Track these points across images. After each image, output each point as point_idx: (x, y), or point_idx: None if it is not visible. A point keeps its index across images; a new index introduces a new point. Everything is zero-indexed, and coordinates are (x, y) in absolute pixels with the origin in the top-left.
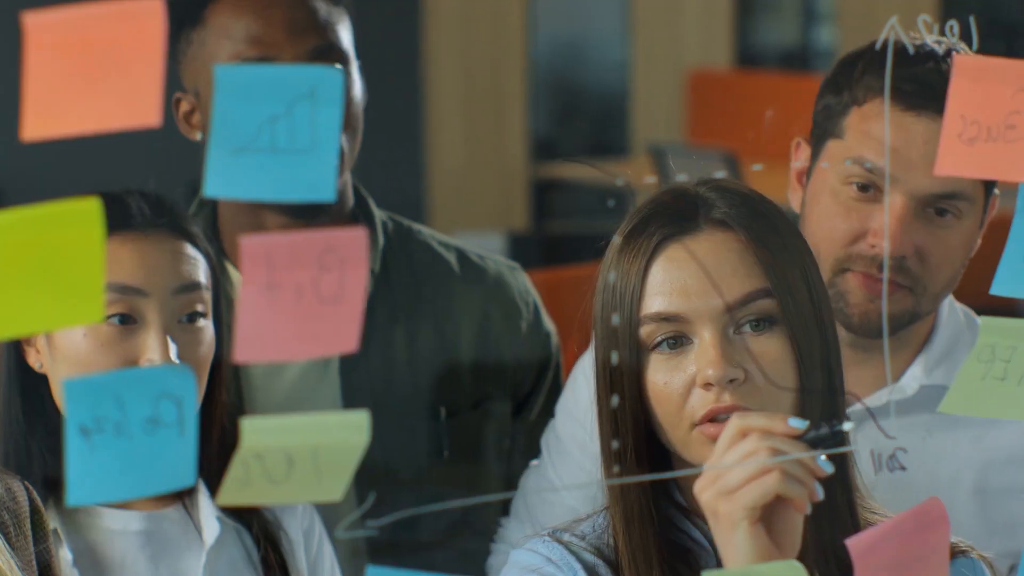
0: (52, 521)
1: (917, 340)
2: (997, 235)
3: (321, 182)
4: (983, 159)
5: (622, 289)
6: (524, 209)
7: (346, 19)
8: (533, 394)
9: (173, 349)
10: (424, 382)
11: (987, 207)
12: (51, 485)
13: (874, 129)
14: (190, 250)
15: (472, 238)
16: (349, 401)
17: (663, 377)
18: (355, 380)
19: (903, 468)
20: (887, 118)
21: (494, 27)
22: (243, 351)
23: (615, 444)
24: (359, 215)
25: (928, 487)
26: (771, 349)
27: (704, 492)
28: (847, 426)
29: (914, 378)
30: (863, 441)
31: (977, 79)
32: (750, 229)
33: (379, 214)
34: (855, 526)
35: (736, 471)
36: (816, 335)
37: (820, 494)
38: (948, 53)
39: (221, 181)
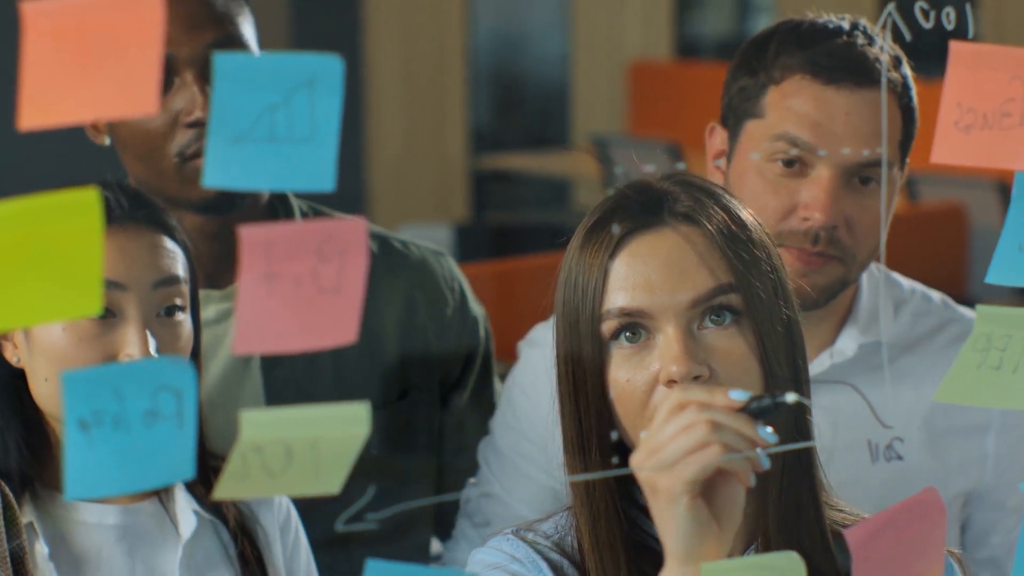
0: (28, 515)
1: (843, 304)
2: (947, 225)
3: (320, 172)
4: (979, 147)
5: (584, 284)
6: (464, 200)
7: (246, 11)
8: (462, 381)
9: (152, 343)
10: (349, 374)
11: (902, 176)
12: (27, 479)
13: (795, 105)
14: (168, 243)
15: (419, 230)
16: (272, 397)
17: (625, 374)
18: (278, 375)
19: (900, 458)
20: (883, 100)
21: (434, 18)
22: (243, 342)
23: (614, 435)
24: (277, 207)
25: None
26: (736, 345)
27: (642, 465)
28: (790, 397)
29: (851, 338)
30: (832, 398)
31: (973, 67)
32: (714, 222)
33: (298, 204)
34: (820, 527)
35: (674, 445)
36: (782, 331)
37: (766, 464)
38: (855, 27)
39: (219, 171)
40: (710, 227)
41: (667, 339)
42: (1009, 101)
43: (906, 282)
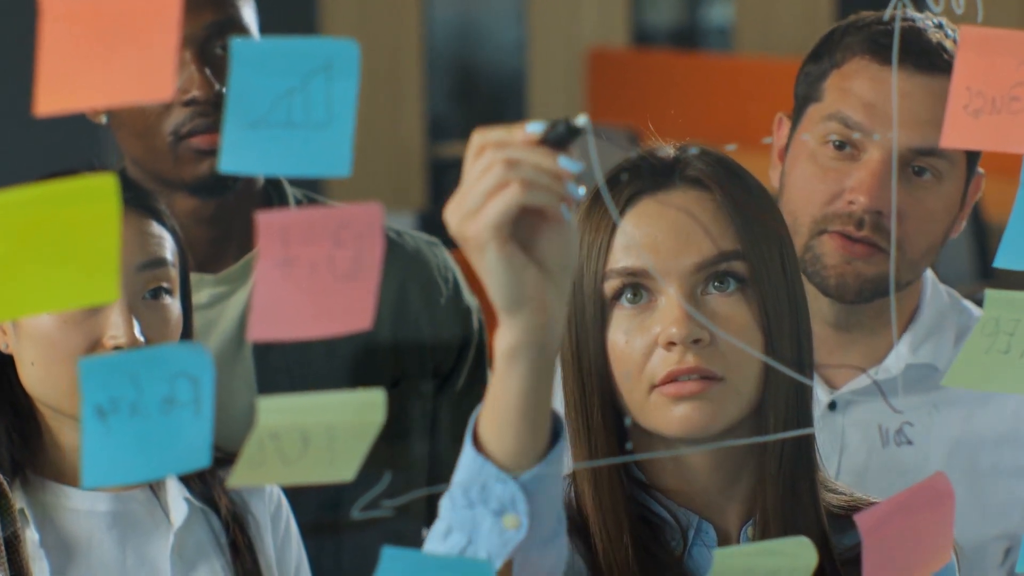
0: (18, 502)
1: (901, 319)
2: None
3: (337, 157)
4: (987, 131)
5: (590, 243)
6: (421, 189)
7: None
8: (455, 371)
9: (136, 327)
10: (341, 361)
11: (969, 181)
12: (18, 466)
13: (852, 85)
14: (155, 227)
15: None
16: (264, 382)
17: (624, 336)
18: (270, 361)
19: (910, 443)
20: (893, 86)
21: (391, 7)
22: (258, 328)
23: (627, 422)
24: (271, 193)
25: (920, 469)
26: (739, 312)
27: (450, 218)
28: (581, 120)
29: (899, 357)
30: (870, 416)
31: (982, 51)
32: (725, 189)
33: (292, 192)
34: (816, 506)
35: (475, 190)
36: (786, 304)
37: (577, 195)
38: (928, 19)
39: (236, 156)
40: (721, 192)
41: (669, 301)
42: (1017, 85)
43: (976, 311)
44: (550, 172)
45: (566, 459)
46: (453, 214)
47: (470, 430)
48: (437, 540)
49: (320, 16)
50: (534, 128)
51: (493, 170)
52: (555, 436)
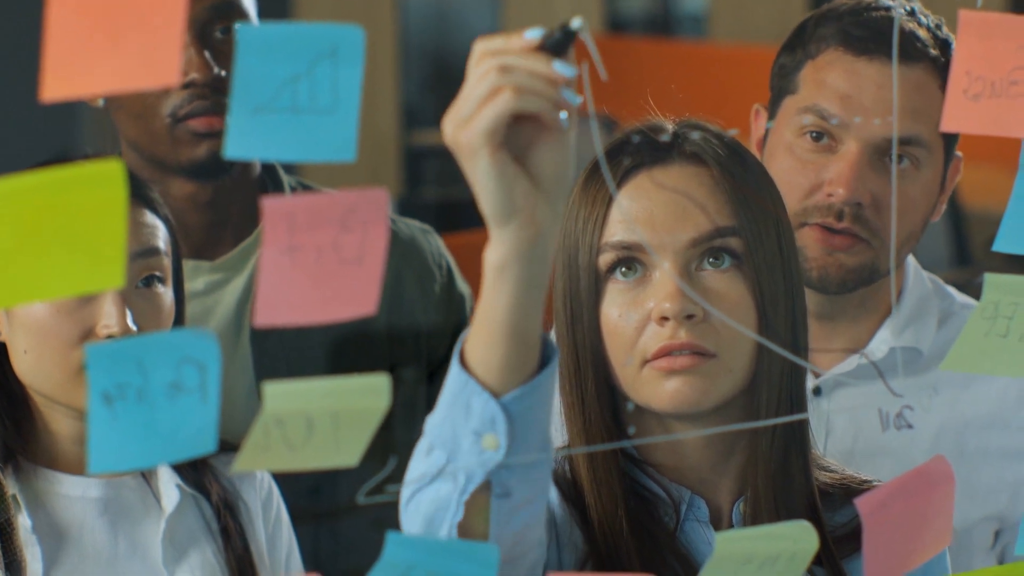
0: (11, 488)
1: (883, 306)
2: None
3: (342, 143)
4: (987, 115)
5: (586, 216)
6: (395, 176)
7: None
8: (449, 358)
9: (128, 316)
10: (337, 348)
11: (948, 166)
12: (10, 452)
13: (827, 77)
14: (148, 216)
15: None
16: (261, 369)
17: (618, 310)
18: (267, 348)
19: (910, 426)
20: (894, 74)
21: None
22: (264, 314)
23: (630, 407)
24: (267, 181)
25: (907, 454)
26: (733, 289)
27: (446, 126)
28: (576, 22)
29: (883, 341)
30: (855, 400)
31: (982, 35)
32: (723, 165)
33: (288, 180)
34: (808, 483)
35: (470, 97)
36: (781, 282)
37: (573, 101)
38: (900, 6)
39: (241, 142)
40: (719, 168)
41: (663, 276)
42: (1017, 69)
43: (959, 296)
44: (543, 77)
45: (554, 389)
46: (448, 122)
47: (457, 349)
48: (419, 458)
49: (293, 5)
50: (532, 34)
51: (487, 77)
52: (544, 362)
